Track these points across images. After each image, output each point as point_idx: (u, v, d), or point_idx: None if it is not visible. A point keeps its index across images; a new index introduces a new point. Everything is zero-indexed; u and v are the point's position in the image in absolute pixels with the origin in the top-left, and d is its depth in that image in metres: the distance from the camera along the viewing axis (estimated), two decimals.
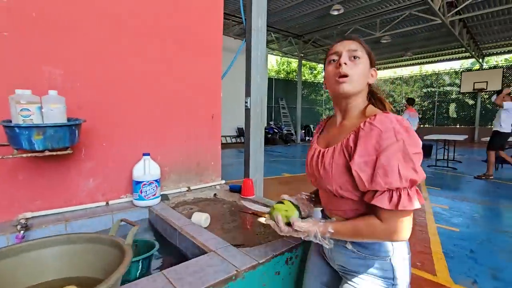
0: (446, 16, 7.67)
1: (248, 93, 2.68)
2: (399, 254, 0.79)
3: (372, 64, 0.85)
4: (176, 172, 1.79)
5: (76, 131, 1.16)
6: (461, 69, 14.01)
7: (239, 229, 1.33)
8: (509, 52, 12.54)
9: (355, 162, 0.72)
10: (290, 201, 0.90)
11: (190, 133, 1.82)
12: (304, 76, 16.11)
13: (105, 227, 1.34)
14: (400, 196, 0.67)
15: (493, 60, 15.99)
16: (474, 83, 12.07)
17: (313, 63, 18.59)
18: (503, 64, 12.97)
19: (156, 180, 1.51)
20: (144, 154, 1.51)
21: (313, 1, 7.91)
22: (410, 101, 6.86)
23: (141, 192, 1.46)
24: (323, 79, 0.94)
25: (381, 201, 0.69)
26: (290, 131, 13.65)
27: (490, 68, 13.05)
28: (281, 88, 14.94)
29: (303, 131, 14.28)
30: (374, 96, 0.87)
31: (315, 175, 0.86)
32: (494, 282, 2.04)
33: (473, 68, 13.96)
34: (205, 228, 1.25)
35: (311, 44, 11.97)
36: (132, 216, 1.44)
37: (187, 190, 1.81)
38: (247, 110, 2.73)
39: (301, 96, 13.25)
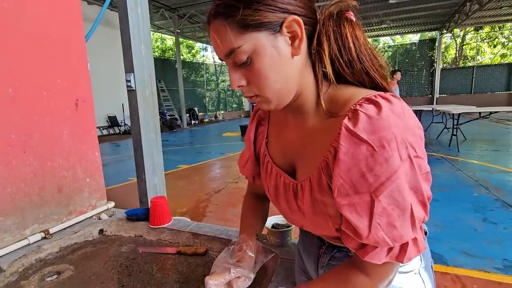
0: None
1: (130, 68, 1.91)
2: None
3: (273, 24, 0.41)
4: (10, 213, 0.95)
5: None
6: None
7: None
8: None
9: (337, 202, 0.43)
10: None
11: (31, 136, 1.00)
12: (182, 55, 14.96)
13: None
14: (406, 245, 0.43)
15: None
16: None
17: (191, 42, 17.56)
18: None
19: None
20: None
21: None
22: (394, 73, 5.59)
23: None
24: None
25: (378, 256, 0.43)
26: (174, 115, 12.62)
27: None
28: (158, 68, 13.31)
29: (188, 114, 13.51)
30: (336, 61, 0.45)
31: (287, 213, 0.59)
32: None
33: None
34: None
35: (188, 20, 11.04)
36: None
37: (44, 237, 1.02)
38: (131, 92, 1.96)
39: (182, 77, 12.28)
